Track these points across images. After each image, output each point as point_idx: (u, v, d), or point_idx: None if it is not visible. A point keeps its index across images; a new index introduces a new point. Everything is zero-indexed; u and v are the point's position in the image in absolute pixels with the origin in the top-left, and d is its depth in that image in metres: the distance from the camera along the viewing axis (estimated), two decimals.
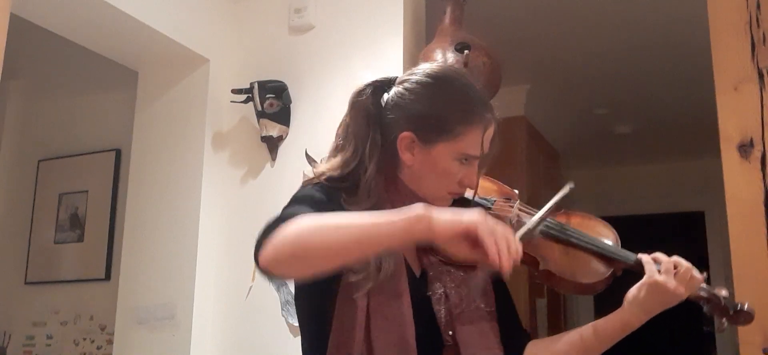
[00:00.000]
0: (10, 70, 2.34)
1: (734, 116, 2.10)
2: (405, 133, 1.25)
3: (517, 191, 1.37)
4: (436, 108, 1.25)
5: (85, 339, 3.62)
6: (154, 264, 2.75)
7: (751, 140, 2.06)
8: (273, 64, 2.80)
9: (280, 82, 2.72)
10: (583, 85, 4.22)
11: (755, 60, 2.09)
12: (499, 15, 3.22)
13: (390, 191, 1.27)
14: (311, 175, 1.32)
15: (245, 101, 2.72)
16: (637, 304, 1.26)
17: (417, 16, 2.80)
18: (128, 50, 2.82)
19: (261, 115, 2.69)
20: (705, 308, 1.30)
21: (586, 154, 5.43)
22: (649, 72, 3.94)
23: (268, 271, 1.06)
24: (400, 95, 1.28)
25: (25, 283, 3.75)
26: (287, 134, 2.72)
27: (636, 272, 1.28)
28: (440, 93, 1.27)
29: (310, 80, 2.75)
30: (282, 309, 2.59)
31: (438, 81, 1.28)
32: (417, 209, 1.02)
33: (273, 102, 2.68)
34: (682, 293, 1.24)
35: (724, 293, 1.30)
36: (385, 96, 1.30)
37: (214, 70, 2.84)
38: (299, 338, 1.31)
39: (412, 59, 2.68)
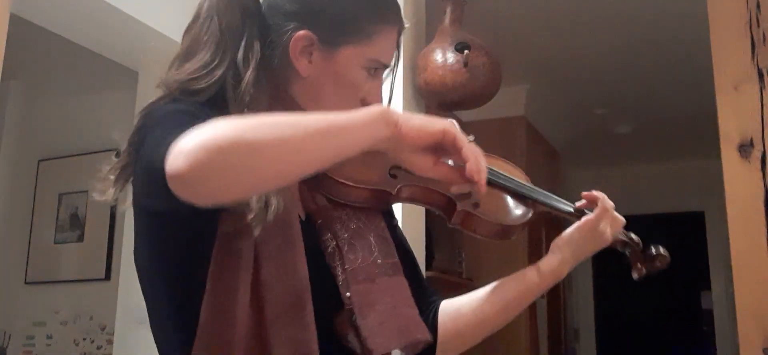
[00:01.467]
0: (10, 70, 2.33)
1: (734, 116, 2.10)
2: (301, 33, 0.98)
3: None
4: (344, 1, 1.01)
5: (85, 339, 3.62)
6: None
7: (751, 140, 2.06)
8: None
9: None
10: (583, 85, 4.22)
11: (755, 60, 2.09)
12: (499, 15, 3.22)
13: (274, 109, 0.97)
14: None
15: None
16: (570, 248, 1.14)
17: (417, 16, 2.80)
18: (128, 50, 2.81)
19: None
20: (626, 252, 1.23)
21: (585, 154, 5.43)
22: (648, 72, 3.94)
23: (185, 184, 0.71)
24: None
25: (25, 283, 3.76)
26: None
27: (555, 218, 1.21)
28: None
29: None
30: None
31: None
32: (378, 107, 0.83)
33: None
34: (609, 238, 1.16)
35: (636, 238, 1.24)
36: None
37: None
38: None
39: (412, 59, 2.68)
